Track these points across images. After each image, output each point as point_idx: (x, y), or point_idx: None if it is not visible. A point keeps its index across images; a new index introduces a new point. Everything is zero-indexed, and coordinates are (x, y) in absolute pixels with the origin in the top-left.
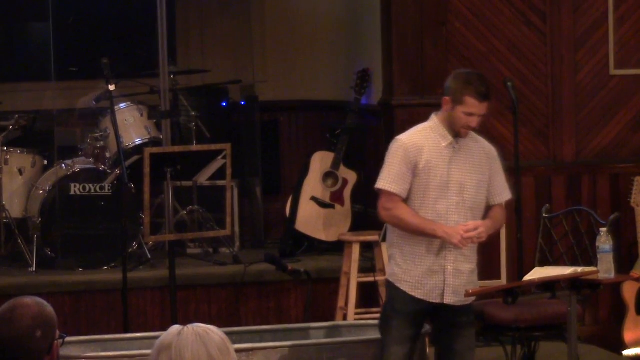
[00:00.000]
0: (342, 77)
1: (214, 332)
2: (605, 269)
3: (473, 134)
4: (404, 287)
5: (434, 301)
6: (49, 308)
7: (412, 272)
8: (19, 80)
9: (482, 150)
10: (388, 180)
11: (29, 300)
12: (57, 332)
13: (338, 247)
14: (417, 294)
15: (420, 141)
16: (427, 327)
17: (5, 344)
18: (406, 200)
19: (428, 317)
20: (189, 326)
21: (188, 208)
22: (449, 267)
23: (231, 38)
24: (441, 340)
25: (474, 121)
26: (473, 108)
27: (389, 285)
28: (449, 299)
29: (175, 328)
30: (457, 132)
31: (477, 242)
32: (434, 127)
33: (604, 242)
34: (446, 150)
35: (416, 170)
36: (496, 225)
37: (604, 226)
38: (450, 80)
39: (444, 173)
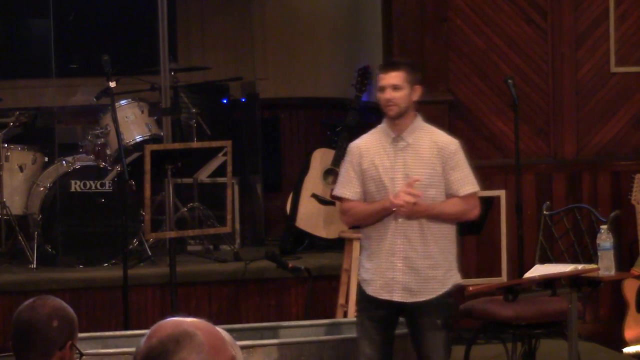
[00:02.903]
0: (342, 74)
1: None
2: (605, 266)
3: (431, 129)
4: (364, 286)
5: (383, 298)
6: (71, 310)
7: (369, 270)
8: (20, 77)
9: (435, 144)
10: (339, 186)
11: (54, 297)
12: (76, 338)
13: (338, 244)
14: (369, 290)
15: (366, 143)
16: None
17: (24, 327)
18: (364, 201)
19: (395, 313)
20: None
21: (188, 205)
22: (398, 263)
23: (232, 35)
24: (412, 341)
25: (387, 93)
26: (381, 81)
27: (359, 285)
28: (399, 297)
29: None
30: (389, 117)
31: (407, 209)
32: (383, 127)
33: (605, 239)
34: (390, 147)
35: (362, 171)
36: (445, 210)
37: (604, 224)
38: None
39: (388, 169)
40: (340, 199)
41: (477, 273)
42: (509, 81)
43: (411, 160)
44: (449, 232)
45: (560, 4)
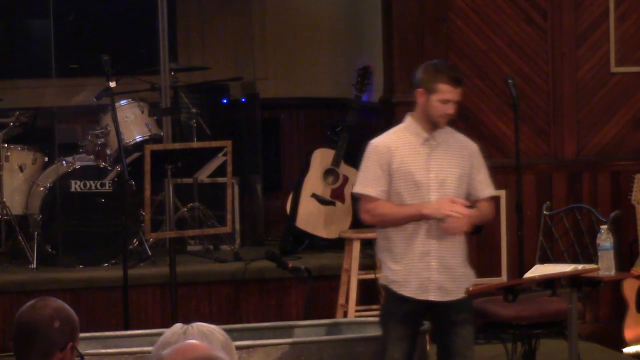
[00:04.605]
0: (343, 74)
1: (217, 332)
2: (605, 266)
3: (452, 130)
4: (394, 287)
5: (420, 298)
6: (73, 312)
7: (400, 272)
8: (20, 77)
9: (462, 145)
10: (364, 183)
11: (55, 299)
12: (77, 340)
13: (339, 244)
14: (406, 292)
15: (394, 142)
16: (426, 325)
17: (25, 326)
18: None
19: (425, 315)
20: (194, 325)
21: (188, 205)
22: (433, 263)
23: (232, 35)
24: (440, 338)
25: (451, 108)
26: (448, 94)
27: (384, 288)
28: (434, 296)
29: (179, 326)
30: (435, 124)
31: (458, 225)
32: (408, 126)
33: (605, 239)
34: (422, 148)
35: (391, 170)
36: (482, 217)
37: (604, 224)
38: (419, 72)
39: (422, 170)
40: (361, 196)
41: (477, 273)
42: (509, 81)
43: (443, 161)
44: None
45: (560, 4)
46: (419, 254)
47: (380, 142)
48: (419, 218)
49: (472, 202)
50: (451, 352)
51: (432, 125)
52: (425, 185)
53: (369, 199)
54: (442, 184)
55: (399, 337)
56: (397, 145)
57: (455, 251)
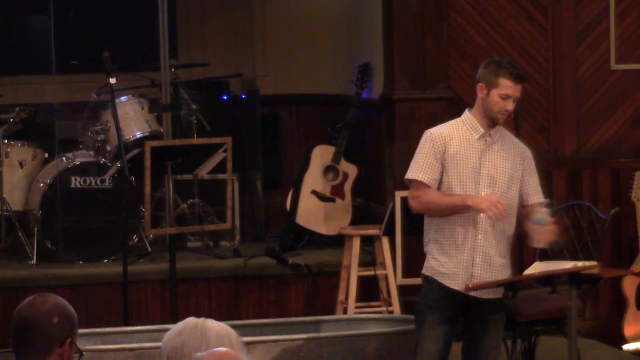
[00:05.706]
0: (343, 71)
1: (231, 331)
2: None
3: (508, 132)
4: (441, 279)
5: (463, 291)
6: (72, 308)
7: (447, 264)
8: (20, 73)
9: (517, 148)
10: (415, 170)
11: (54, 295)
12: (76, 336)
13: (338, 241)
14: (452, 284)
15: (450, 132)
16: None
17: (23, 322)
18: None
19: (460, 312)
20: (208, 320)
21: (188, 201)
22: (477, 259)
23: (232, 31)
24: (468, 335)
25: (510, 104)
26: (509, 89)
27: (426, 279)
28: (475, 292)
29: (194, 320)
30: (493, 121)
31: (501, 218)
32: (465, 120)
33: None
34: (478, 143)
35: (444, 160)
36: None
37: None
38: (481, 68)
39: (475, 165)
40: (411, 182)
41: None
42: None
43: (497, 159)
44: (512, 234)
45: (561, 2)
46: (467, 249)
47: (436, 132)
48: (463, 208)
49: (522, 207)
50: (479, 349)
51: (490, 121)
52: (476, 181)
53: (419, 185)
54: (493, 182)
55: (436, 333)
56: (453, 136)
57: (501, 250)
